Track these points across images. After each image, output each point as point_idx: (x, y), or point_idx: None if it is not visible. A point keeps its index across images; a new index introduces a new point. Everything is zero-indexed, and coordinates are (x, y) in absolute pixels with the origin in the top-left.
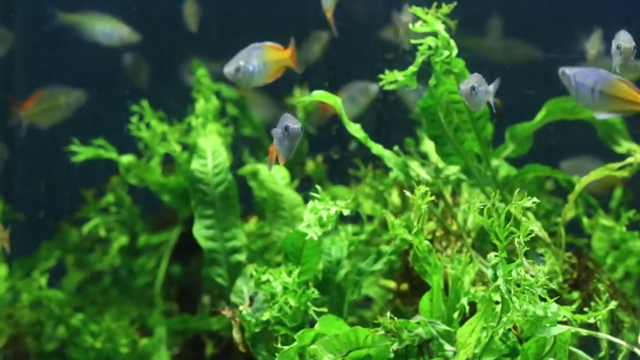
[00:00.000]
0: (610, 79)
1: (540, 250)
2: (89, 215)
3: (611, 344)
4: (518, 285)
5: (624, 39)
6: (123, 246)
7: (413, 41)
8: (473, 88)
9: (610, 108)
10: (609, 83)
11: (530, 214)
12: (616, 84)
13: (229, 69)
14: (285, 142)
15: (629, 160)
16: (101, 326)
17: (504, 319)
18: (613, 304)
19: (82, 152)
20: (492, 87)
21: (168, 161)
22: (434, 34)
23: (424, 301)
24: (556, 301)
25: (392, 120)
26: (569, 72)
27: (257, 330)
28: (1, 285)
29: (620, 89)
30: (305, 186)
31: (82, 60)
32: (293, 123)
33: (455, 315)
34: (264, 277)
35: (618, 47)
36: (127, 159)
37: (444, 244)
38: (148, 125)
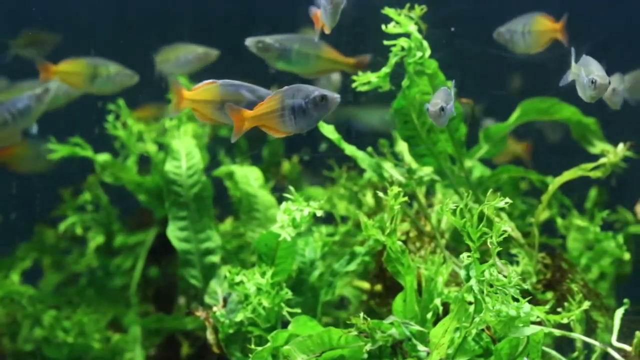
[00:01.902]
0: (534, 17)
1: (514, 251)
2: (66, 214)
3: (585, 344)
4: (491, 286)
5: (598, 74)
6: (99, 246)
7: (386, 42)
8: (442, 109)
9: (540, 43)
10: (533, 21)
11: (504, 215)
12: (538, 20)
13: None
14: (329, 7)
15: (603, 160)
16: (72, 320)
17: (477, 319)
18: (587, 304)
19: (58, 150)
20: (452, 94)
21: (144, 161)
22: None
23: (398, 302)
24: (530, 301)
25: None
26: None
27: (230, 331)
28: None
29: (541, 23)
30: (281, 187)
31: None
32: None
33: (429, 315)
34: (237, 278)
35: (593, 82)
36: (103, 157)
37: (417, 244)
38: (124, 125)
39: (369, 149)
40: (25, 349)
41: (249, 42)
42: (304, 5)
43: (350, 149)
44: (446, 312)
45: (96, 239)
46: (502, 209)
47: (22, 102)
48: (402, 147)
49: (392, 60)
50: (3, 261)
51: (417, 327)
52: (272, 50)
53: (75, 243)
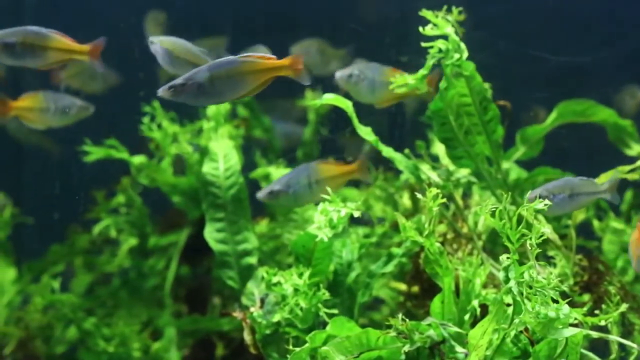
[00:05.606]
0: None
1: (551, 253)
2: (99, 216)
3: (622, 347)
4: (530, 287)
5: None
6: (133, 247)
7: (424, 44)
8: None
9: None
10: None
11: (540, 217)
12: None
13: None
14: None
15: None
16: (114, 330)
17: (516, 320)
18: (624, 307)
19: (93, 152)
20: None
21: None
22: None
23: (435, 303)
24: (568, 304)
25: (404, 123)
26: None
27: (268, 332)
28: (10, 289)
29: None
30: None
31: None
32: None
33: (467, 317)
34: (274, 279)
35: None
36: (138, 159)
37: (454, 246)
38: (159, 126)
39: (406, 150)
40: (57, 352)
41: None
42: None
43: (387, 151)
44: (483, 314)
45: (129, 241)
46: (539, 211)
47: (67, 101)
48: (438, 149)
49: (430, 62)
50: (35, 264)
51: (455, 329)
52: None
53: (108, 245)
